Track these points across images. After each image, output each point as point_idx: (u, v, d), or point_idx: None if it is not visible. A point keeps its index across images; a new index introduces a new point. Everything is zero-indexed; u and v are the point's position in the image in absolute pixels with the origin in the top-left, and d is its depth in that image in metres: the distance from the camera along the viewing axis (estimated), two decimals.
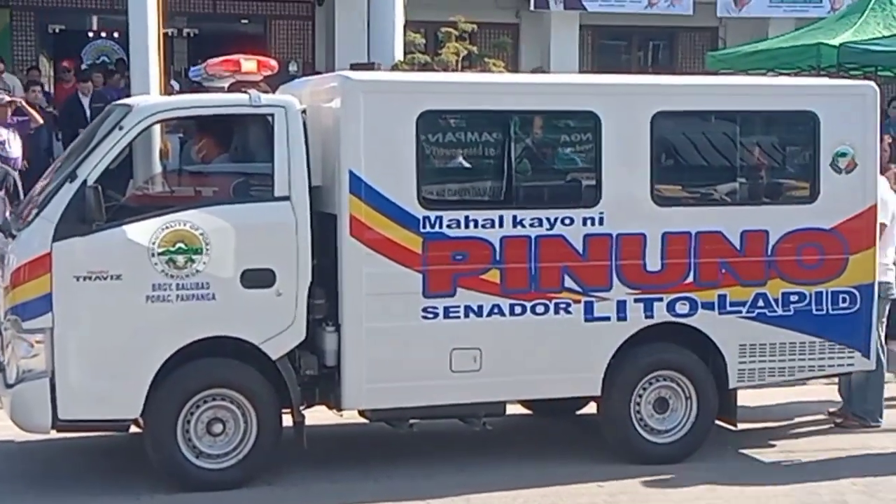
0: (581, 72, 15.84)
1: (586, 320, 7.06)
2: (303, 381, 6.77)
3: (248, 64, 7.21)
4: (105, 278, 6.39)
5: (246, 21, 17.63)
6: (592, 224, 7.06)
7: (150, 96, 10.27)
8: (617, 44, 18.63)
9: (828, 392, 8.66)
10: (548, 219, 6.98)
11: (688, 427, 7.33)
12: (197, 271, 6.47)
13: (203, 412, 6.63)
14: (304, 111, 6.81)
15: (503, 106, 7.20)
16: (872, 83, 7.89)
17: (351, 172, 6.68)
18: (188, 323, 6.52)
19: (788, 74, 12.27)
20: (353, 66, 12.00)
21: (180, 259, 6.45)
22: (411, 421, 7.01)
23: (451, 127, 7.27)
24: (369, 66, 12.50)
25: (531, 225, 6.95)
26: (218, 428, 6.64)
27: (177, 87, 12.66)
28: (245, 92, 6.91)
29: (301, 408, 6.79)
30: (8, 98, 11.50)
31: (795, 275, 7.37)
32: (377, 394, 6.82)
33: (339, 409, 6.94)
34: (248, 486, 6.66)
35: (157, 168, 9.58)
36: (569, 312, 7.04)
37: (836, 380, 8.29)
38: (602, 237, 7.06)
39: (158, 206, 6.75)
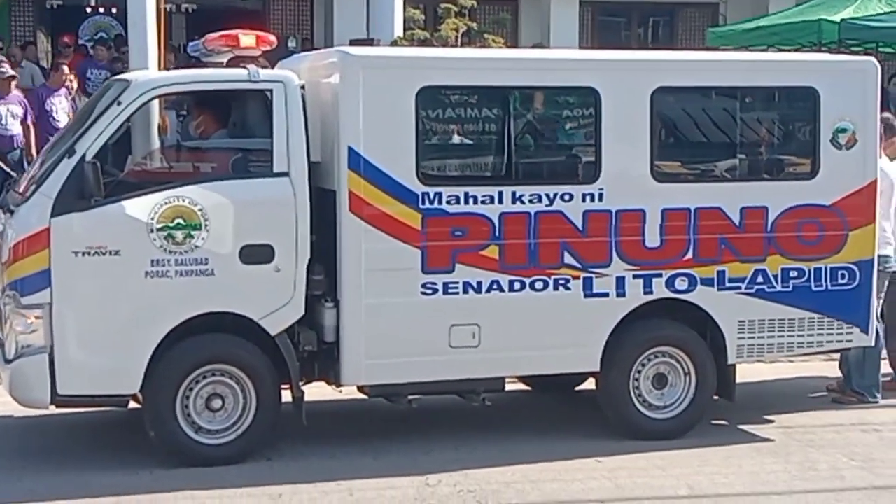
0: (581, 48, 15.79)
1: (585, 296, 7.06)
2: (302, 356, 6.77)
3: (247, 39, 7.18)
4: (104, 254, 6.38)
5: None
6: (592, 200, 7.04)
7: (149, 71, 10.24)
8: (617, 20, 18.57)
9: (825, 368, 8.68)
10: (547, 195, 6.97)
11: (686, 403, 7.34)
12: (196, 247, 6.47)
13: (202, 388, 6.63)
14: (302, 87, 6.78)
15: (503, 82, 7.18)
16: (873, 59, 7.86)
17: (350, 148, 6.66)
18: (187, 298, 6.52)
19: (789, 50, 12.24)
20: (353, 42, 11.96)
21: (179, 235, 6.44)
22: (410, 397, 7.02)
23: (450, 103, 7.24)
24: (368, 42, 12.47)
25: (530, 201, 6.94)
26: (217, 403, 6.65)
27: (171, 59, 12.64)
28: (244, 67, 6.89)
29: (300, 383, 6.80)
30: (10, 72, 11.56)
31: (795, 251, 7.37)
32: (376, 369, 6.82)
33: (338, 385, 6.96)
34: (247, 461, 6.67)
35: (156, 143, 9.56)
36: (568, 288, 7.03)
37: (834, 355, 8.29)
38: (601, 213, 7.05)
39: (157, 182, 6.73)
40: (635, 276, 7.13)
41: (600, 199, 7.04)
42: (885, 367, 8.43)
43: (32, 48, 14.80)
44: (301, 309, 6.68)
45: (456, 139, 7.41)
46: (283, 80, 6.74)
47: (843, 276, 7.44)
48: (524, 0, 17.34)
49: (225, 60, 7.25)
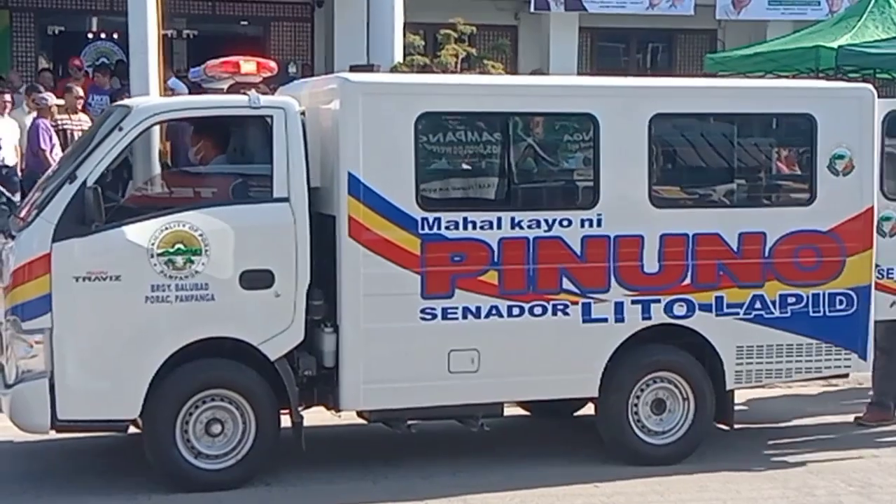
0: (580, 74, 15.87)
1: (584, 321, 7.09)
2: (301, 381, 6.79)
3: (248, 65, 7.24)
4: (104, 279, 6.41)
5: (245, 22, 17.66)
6: (590, 226, 7.08)
7: (150, 97, 10.29)
8: (616, 45, 18.67)
9: (824, 393, 8.68)
10: (546, 220, 7.01)
11: (685, 428, 7.35)
12: (196, 272, 6.49)
13: (202, 413, 6.64)
14: (303, 112, 6.83)
15: (502, 108, 7.23)
16: (870, 86, 7.91)
17: (350, 174, 6.70)
18: (187, 324, 6.54)
19: (787, 77, 12.30)
20: (353, 68, 12.04)
21: (179, 260, 6.47)
22: (409, 422, 7.03)
23: (449, 128, 7.29)
24: (368, 68, 12.53)
25: (529, 226, 6.97)
26: (216, 428, 6.66)
27: (184, 88, 12.65)
28: (244, 93, 6.93)
29: (299, 408, 6.81)
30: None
31: (793, 276, 7.39)
32: (375, 394, 6.84)
33: (338, 410, 6.97)
34: (247, 486, 6.68)
35: (157, 169, 9.59)
36: (566, 314, 7.06)
37: (832, 381, 8.30)
38: (600, 239, 7.08)
39: (158, 207, 6.77)
40: (634, 302, 7.15)
41: (599, 224, 7.08)
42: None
43: (48, 74, 14.72)
44: (301, 334, 6.70)
45: (455, 165, 7.45)
46: (283, 107, 6.78)
47: (840, 302, 7.47)
48: (524, 26, 17.43)
49: (226, 86, 7.29)
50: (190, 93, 11.16)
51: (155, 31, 11.79)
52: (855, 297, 7.49)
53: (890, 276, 7.71)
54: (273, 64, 7.53)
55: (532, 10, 16.80)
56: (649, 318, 7.19)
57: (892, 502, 6.74)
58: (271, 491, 6.70)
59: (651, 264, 7.17)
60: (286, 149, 6.67)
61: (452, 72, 12.40)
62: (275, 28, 17.23)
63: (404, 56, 13.51)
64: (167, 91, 11.15)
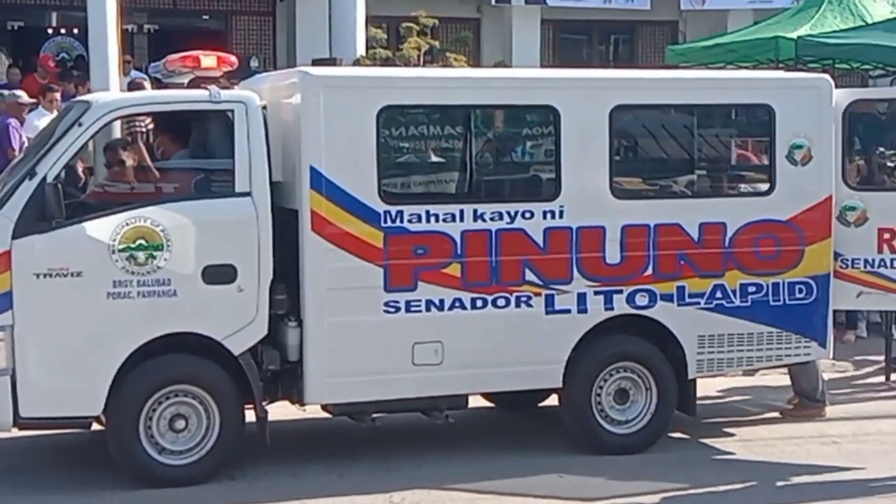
0: (543, 66, 15.89)
1: (547, 313, 7.12)
2: (265, 376, 6.79)
3: (208, 60, 7.21)
4: (65, 275, 6.37)
5: (206, 17, 17.54)
6: (552, 217, 7.11)
7: (110, 92, 10.22)
8: (578, 38, 18.69)
9: (785, 380, 8.76)
10: (508, 212, 7.03)
11: (648, 417, 7.40)
12: (158, 268, 6.47)
13: (165, 408, 6.62)
14: (264, 107, 6.81)
15: (463, 101, 7.25)
16: (827, 76, 7.99)
17: (312, 168, 6.69)
18: (149, 319, 6.51)
19: (747, 68, 12.38)
20: (315, 62, 11.96)
21: (141, 256, 6.44)
22: (374, 415, 7.04)
23: (411, 122, 7.30)
24: (331, 62, 12.47)
25: (492, 219, 7.00)
26: (180, 424, 6.65)
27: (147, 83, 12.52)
28: (205, 88, 6.91)
29: (264, 403, 6.81)
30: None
31: (753, 266, 7.46)
32: (339, 388, 6.85)
33: (302, 404, 6.97)
34: (211, 481, 6.67)
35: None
36: (530, 305, 7.09)
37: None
38: (562, 230, 7.11)
39: (119, 203, 6.73)
40: (596, 293, 7.20)
41: (561, 216, 7.11)
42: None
43: (16, 71, 14.49)
44: (264, 328, 6.70)
45: (417, 158, 7.46)
46: (244, 101, 6.77)
47: (800, 291, 7.54)
48: (486, 19, 17.43)
49: (186, 81, 7.26)
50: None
51: (115, 25, 11.70)
52: (814, 286, 7.57)
53: (855, 265, 7.77)
54: (234, 58, 7.51)
55: (494, 2, 16.81)
56: (612, 309, 7.23)
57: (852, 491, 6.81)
58: (236, 486, 6.70)
59: (613, 255, 7.21)
60: (247, 143, 6.66)
61: (415, 65, 12.38)
62: (236, 22, 17.12)
63: (367, 49, 13.48)
64: (134, 84, 11.01)
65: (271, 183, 6.72)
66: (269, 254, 6.66)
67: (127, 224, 6.44)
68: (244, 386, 6.71)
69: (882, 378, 9.48)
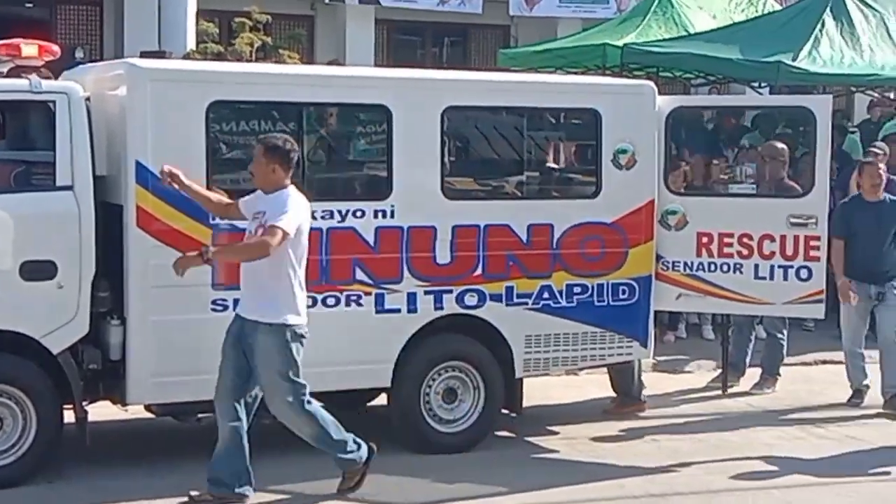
0: (377, 66, 15.89)
1: (377, 312, 7.12)
2: (86, 375, 6.61)
3: (29, 49, 6.96)
4: None
5: (30, 4, 16.94)
6: (384, 217, 7.12)
7: None
8: (412, 39, 18.77)
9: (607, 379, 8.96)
10: (339, 211, 7.01)
11: (475, 417, 7.48)
12: None
13: None
14: (87, 98, 6.62)
15: (295, 98, 7.17)
16: (651, 83, 8.22)
17: (137, 162, 6.54)
18: None
19: (576, 73, 12.65)
20: (143, 54, 11.67)
21: None
22: (199, 415, 6.92)
23: (242, 118, 7.20)
24: (160, 55, 12.17)
25: (323, 217, 6.96)
26: None
27: None
28: (25, 77, 6.67)
29: (84, 403, 6.62)
30: None
31: (579, 267, 7.62)
32: (163, 388, 6.71)
33: (124, 404, 6.81)
34: (28, 484, 6.45)
35: None
36: (360, 305, 7.08)
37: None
38: (393, 230, 7.13)
39: None
40: (426, 292, 7.23)
41: (392, 215, 7.12)
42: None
43: None
44: (85, 326, 6.52)
45: (248, 155, 7.33)
46: (66, 92, 6.57)
47: (623, 292, 7.74)
48: (320, 16, 17.34)
49: (5, 70, 7.00)
50: None
51: None
52: (637, 287, 7.78)
53: (675, 268, 8.01)
54: (56, 48, 7.25)
55: (327, 1, 16.74)
56: (441, 309, 7.28)
57: (668, 484, 7.00)
58: (54, 488, 6.50)
59: (443, 255, 7.26)
60: (70, 135, 6.47)
61: (248, 61, 12.21)
62: (62, 11, 16.59)
63: (197, 44, 13.24)
64: None
65: (95, 177, 6.53)
66: (92, 250, 6.48)
67: None
68: (63, 386, 6.51)
69: (696, 376, 9.79)
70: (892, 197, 8.91)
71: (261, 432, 7.46)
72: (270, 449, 7.26)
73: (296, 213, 6.21)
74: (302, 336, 6.32)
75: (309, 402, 6.40)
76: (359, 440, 6.57)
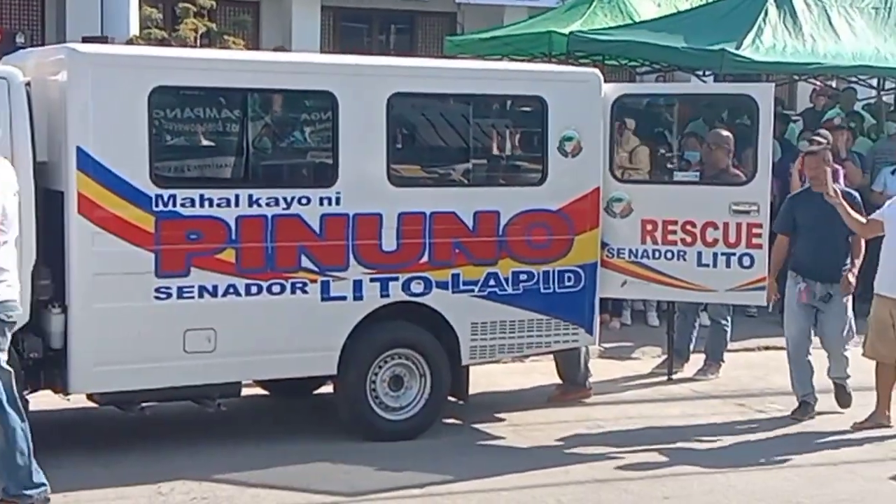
0: (323, 53, 15.82)
1: (323, 300, 7.09)
2: (27, 364, 6.51)
3: None
4: None
5: None
6: (329, 204, 7.08)
7: None
8: (359, 26, 18.71)
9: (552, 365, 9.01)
10: (284, 198, 6.97)
11: (422, 404, 7.47)
12: None
13: None
14: (28, 84, 6.52)
15: (239, 83, 7.10)
16: (597, 70, 8.24)
17: (79, 148, 6.46)
18: None
19: (522, 60, 12.67)
20: (85, 39, 11.50)
21: None
22: (143, 404, 6.86)
23: (185, 103, 7.12)
24: (102, 40, 12.00)
25: (267, 204, 6.91)
26: None
27: None
28: None
29: (25, 392, 6.51)
30: None
31: (525, 254, 7.63)
32: (107, 377, 6.63)
33: (66, 394, 6.73)
34: None
35: None
36: (305, 292, 7.05)
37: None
38: (339, 217, 7.10)
39: None
40: (372, 280, 7.22)
41: (337, 202, 7.09)
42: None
43: None
44: (25, 315, 6.40)
45: (192, 141, 7.28)
46: (5, 77, 6.46)
47: (569, 279, 7.76)
48: (265, 3, 17.22)
49: None
50: None
51: None
52: (582, 274, 7.81)
53: (620, 255, 8.05)
54: None
55: None
56: (388, 296, 7.27)
57: (612, 469, 7.04)
58: None
59: (389, 242, 7.24)
60: (9, 121, 6.36)
61: (192, 47, 12.11)
62: None
63: (141, 29, 13.11)
64: None
65: (35, 163, 6.43)
66: (32, 237, 6.38)
67: None
68: None
69: (641, 362, 9.87)
70: (845, 189, 8.54)
71: (207, 420, 7.43)
72: (218, 436, 7.23)
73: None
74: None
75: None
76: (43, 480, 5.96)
